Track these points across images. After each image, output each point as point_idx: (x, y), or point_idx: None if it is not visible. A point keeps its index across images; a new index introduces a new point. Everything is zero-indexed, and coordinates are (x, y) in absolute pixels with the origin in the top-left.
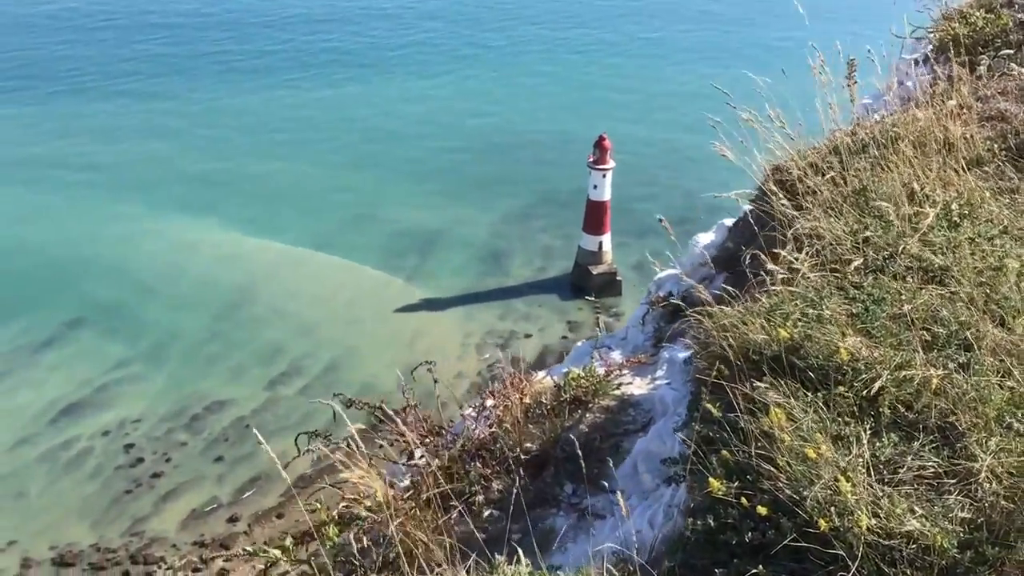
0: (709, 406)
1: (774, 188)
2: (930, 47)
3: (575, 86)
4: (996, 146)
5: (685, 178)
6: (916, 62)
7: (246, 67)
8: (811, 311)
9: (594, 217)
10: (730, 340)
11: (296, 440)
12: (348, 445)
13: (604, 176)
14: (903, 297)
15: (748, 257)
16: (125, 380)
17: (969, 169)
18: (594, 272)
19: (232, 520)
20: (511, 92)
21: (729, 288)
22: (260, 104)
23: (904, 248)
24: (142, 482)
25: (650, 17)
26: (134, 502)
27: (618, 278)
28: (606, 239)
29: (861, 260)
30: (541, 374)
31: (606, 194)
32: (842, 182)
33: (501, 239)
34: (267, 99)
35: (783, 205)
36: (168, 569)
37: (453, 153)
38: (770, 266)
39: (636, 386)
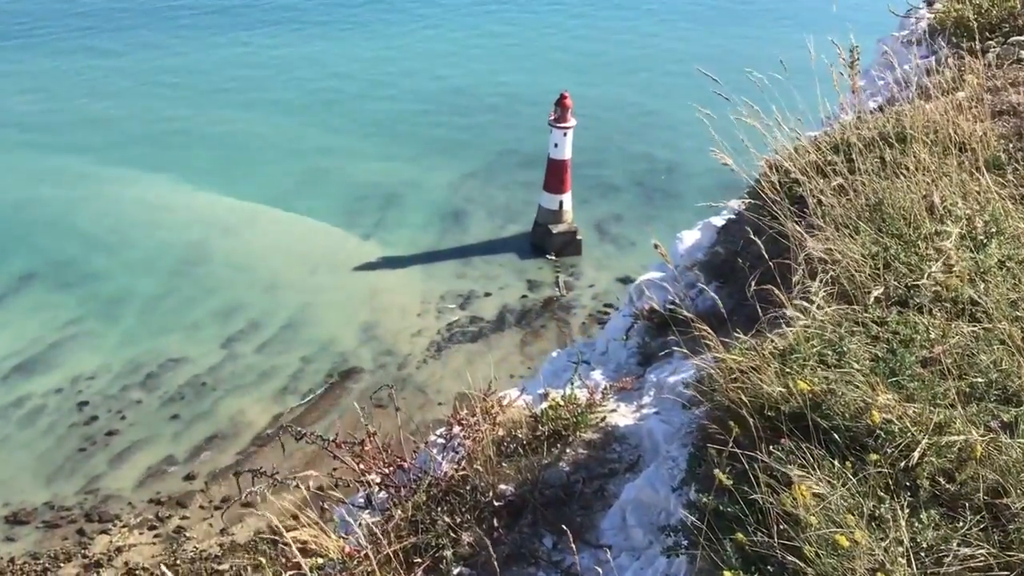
0: (719, 473)
1: (775, 194)
2: (924, 26)
3: (538, 45)
4: (1011, 146)
5: (647, 138)
6: (911, 42)
7: (201, 22)
8: (831, 353)
9: (555, 176)
10: (741, 395)
11: (238, 478)
12: (298, 486)
13: (565, 135)
14: (932, 337)
15: (753, 282)
16: (78, 337)
17: (987, 172)
18: (554, 231)
19: (189, 478)
20: (473, 50)
21: (722, 306)
22: (216, 59)
23: (928, 275)
24: (96, 440)
25: None
26: (88, 460)
27: (578, 237)
28: (567, 198)
29: (882, 290)
30: (513, 393)
31: (567, 153)
32: (851, 190)
33: (461, 197)
34: (224, 54)
35: (787, 215)
36: (123, 527)
37: (414, 110)
38: (789, 311)
39: (621, 414)
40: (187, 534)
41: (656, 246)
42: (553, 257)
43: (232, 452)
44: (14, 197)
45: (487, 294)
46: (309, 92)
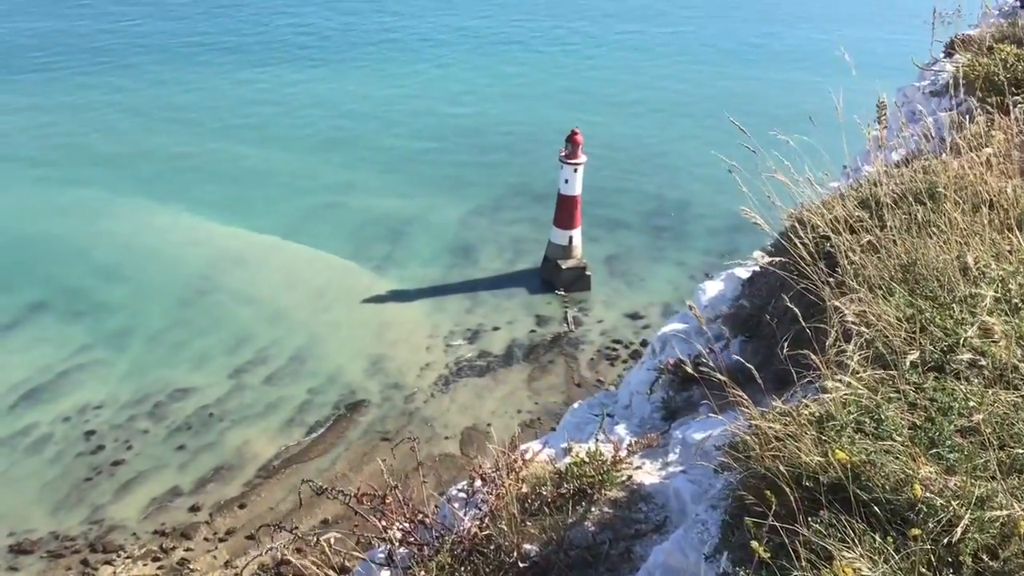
0: (756, 545)
1: (802, 250)
2: (947, 79)
3: (549, 84)
4: None
5: (657, 176)
6: (933, 94)
7: (218, 52)
8: (868, 421)
9: (565, 211)
10: (777, 463)
11: (257, 533)
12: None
13: (575, 171)
14: (971, 405)
15: (786, 344)
16: (87, 365)
17: (1016, 229)
18: (564, 266)
19: (194, 509)
20: (487, 84)
21: (750, 366)
22: (231, 89)
23: (964, 340)
24: (102, 469)
25: (630, 14)
26: (94, 489)
27: (587, 273)
28: (576, 233)
29: (917, 354)
30: (536, 447)
31: (577, 189)
32: (881, 248)
33: (471, 230)
34: (237, 91)
35: (818, 275)
36: (127, 558)
37: (425, 144)
38: (828, 382)
39: (646, 472)
40: (191, 566)
41: (691, 307)
42: (562, 292)
43: (238, 484)
44: (26, 228)
45: (495, 328)
46: (321, 128)
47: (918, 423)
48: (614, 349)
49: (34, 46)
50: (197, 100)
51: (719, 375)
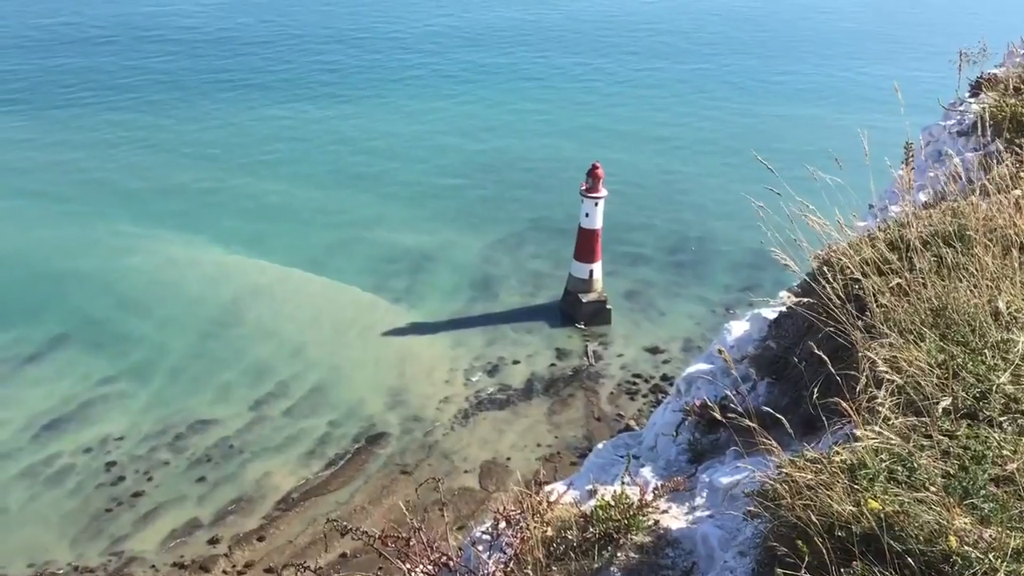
0: None
1: (830, 292)
2: (972, 119)
3: (571, 114)
4: None
5: (677, 211)
6: (959, 134)
7: (241, 86)
8: (901, 469)
9: (585, 245)
10: (810, 514)
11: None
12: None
13: (596, 204)
14: (1005, 453)
15: (816, 389)
16: (109, 397)
17: None
18: (584, 300)
19: (213, 542)
20: (507, 118)
21: (775, 413)
22: (254, 123)
23: (997, 386)
24: (123, 501)
25: (652, 51)
26: (114, 521)
27: (608, 306)
28: (597, 267)
29: (949, 400)
30: (560, 488)
31: (598, 222)
32: (911, 291)
33: (491, 264)
34: (261, 118)
35: (847, 318)
36: None
37: (446, 177)
38: (858, 430)
39: (673, 516)
40: None
41: (720, 351)
42: (582, 326)
43: (257, 516)
44: (52, 260)
45: (515, 361)
46: (343, 164)
47: (951, 472)
48: (634, 383)
49: (62, 82)
50: (222, 136)
51: (747, 420)
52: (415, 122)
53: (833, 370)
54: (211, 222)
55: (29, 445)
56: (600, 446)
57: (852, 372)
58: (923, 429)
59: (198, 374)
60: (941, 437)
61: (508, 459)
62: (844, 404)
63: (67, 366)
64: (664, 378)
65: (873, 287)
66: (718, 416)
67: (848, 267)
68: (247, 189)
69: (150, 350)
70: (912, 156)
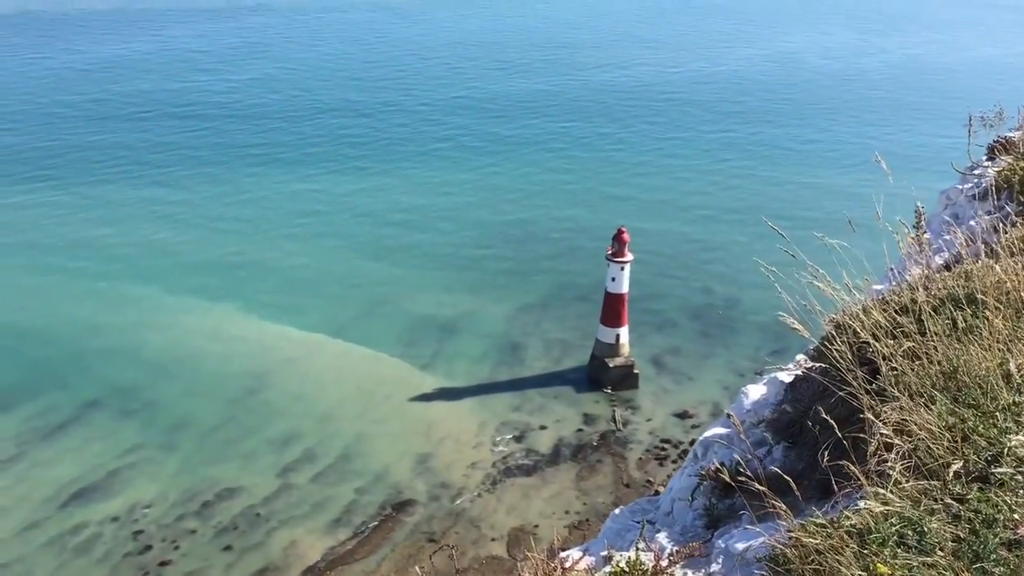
0: None
1: (843, 356)
2: (989, 182)
3: (595, 183)
4: None
5: (704, 275)
6: (976, 197)
7: (269, 161)
8: (911, 533)
9: (612, 309)
10: None
11: None
12: None
13: (622, 269)
14: (1016, 516)
15: (825, 452)
16: (137, 464)
17: None
18: (611, 364)
19: None
20: (531, 188)
21: (786, 477)
22: (281, 197)
23: (1009, 449)
24: (149, 570)
25: (674, 119)
26: None
27: (635, 371)
28: (623, 332)
29: (961, 464)
30: (576, 554)
31: (624, 287)
32: (922, 354)
33: (517, 330)
34: (289, 192)
35: (858, 382)
36: None
37: (473, 244)
38: (867, 495)
39: None
40: None
41: (728, 415)
42: (609, 391)
43: None
44: (81, 324)
45: (543, 427)
46: (372, 227)
47: (962, 535)
48: (663, 449)
49: (91, 158)
50: (249, 210)
51: (757, 484)
52: (440, 193)
53: (842, 434)
54: (239, 292)
55: (57, 514)
56: (617, 511)
57: (864, 436)
58: (934, 493)
59: (225, 441)
60: (951, 501)
61: (536, 526)
62: (852, 468)
63: (96, 434)
64: (693, 444)
65: (884, 350)
66: (729, 480)
67: (858, 331)
68: (275, 260)
69: (178, 416)
70: (922, 220)
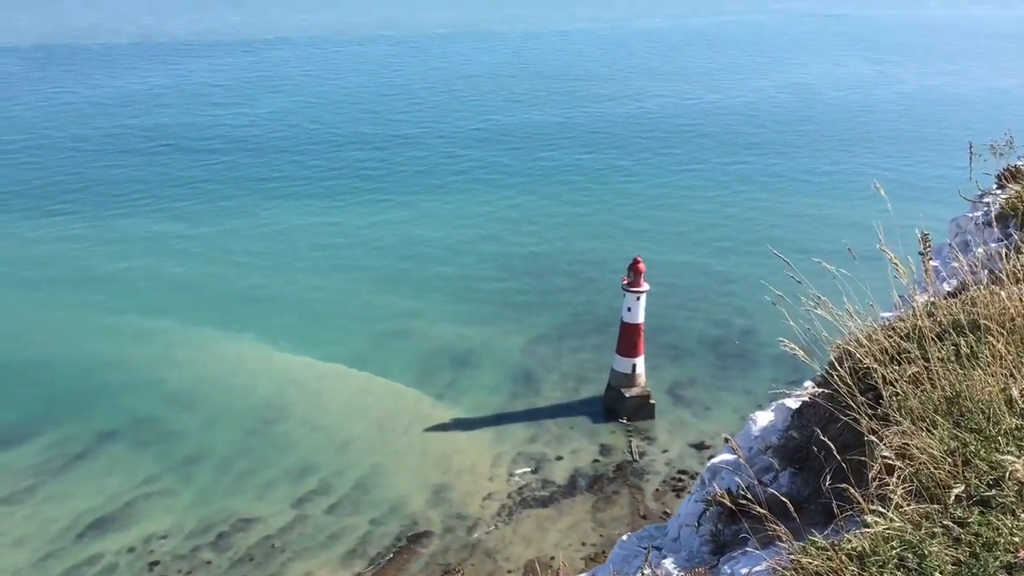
0: None
1: (847, 383)
2: (996, 210)
3: (610, 213)
4: None
5: (720, 305)
6: (985, 224)
7: (287, 191)
8: (911, 556)
9: (628, 339)
10: None
11: None
12: None
13: (638, 299)
14: (1016, 540)
15: (831, 478)
16: (154, 495)
17: None
18: (627, 395)
19: None
20: (547, 218)
21: (787, 501)
22: (299, 228)
23: (1010, 474)
24: None
25: (691, 151)
26: None
27: (651, 401)
28: (640, 361)
29: (962, 488)
30: None
31: (640, 316)
32: (926, 380)
33: (533, 359)
34: (306, 224)
35: (860, 408)
36: None
37: (489, 275)
38: (868, 517)
39: None
40: None
41: (727, 439)
42: (625, 421)
43: None
44: (100, 357)
45: (559, 458)
46: (389, 259)
47: (962, 559)
48: (680, 480)
49: (110, 192)
50: (266, 242)
51: (759, 508)
52: (456, 226)
53: (841, 459)
54: (256, 322)
55: (73, 545)
56: (624, 538)
57: (866, 460)
58: (935, 516)
59: (242, 471)
60: (952, 524)
61: (552, 558)
62: (853, 492)
63: (113, 465)
64: None
65: (886, 376)
66: (731, 506)
67: (861, 358)
68: (292, 293)
69: (195, 447)
70: (928, 247)
